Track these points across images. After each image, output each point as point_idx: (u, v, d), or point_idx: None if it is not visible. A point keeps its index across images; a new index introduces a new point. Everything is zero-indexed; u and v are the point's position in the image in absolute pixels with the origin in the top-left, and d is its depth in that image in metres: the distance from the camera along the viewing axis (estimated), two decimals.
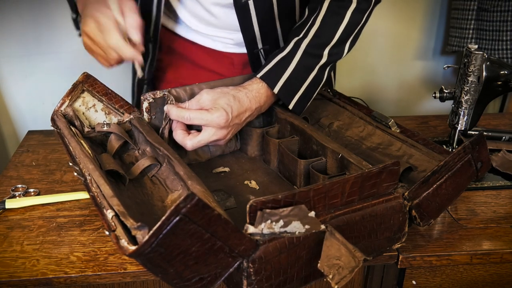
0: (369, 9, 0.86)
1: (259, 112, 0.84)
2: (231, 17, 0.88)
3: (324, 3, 0.84)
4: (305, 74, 0.83)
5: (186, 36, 0.97)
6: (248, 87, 0.80)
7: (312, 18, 0.84)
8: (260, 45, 0.92)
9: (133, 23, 0.77)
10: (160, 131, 0.81)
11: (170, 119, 0.79)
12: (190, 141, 0.76)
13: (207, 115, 0.75)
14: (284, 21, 0.91)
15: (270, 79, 0.81)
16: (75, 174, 0.68)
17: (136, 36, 0.78)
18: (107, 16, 0.75)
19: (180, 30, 0.97)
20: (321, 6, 0.84)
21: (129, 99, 0.88)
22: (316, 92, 0.87)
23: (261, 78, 0.81)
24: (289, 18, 0.92)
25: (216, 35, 0.94)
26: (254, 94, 0.80)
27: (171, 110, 0.77)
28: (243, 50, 0.94)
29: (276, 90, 0.81)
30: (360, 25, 0.86)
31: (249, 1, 0.84)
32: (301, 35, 0.84)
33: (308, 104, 0.86)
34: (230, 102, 0.76)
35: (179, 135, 0.77)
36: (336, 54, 0.85)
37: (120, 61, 0.79)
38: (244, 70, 0.98)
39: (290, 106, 0.83)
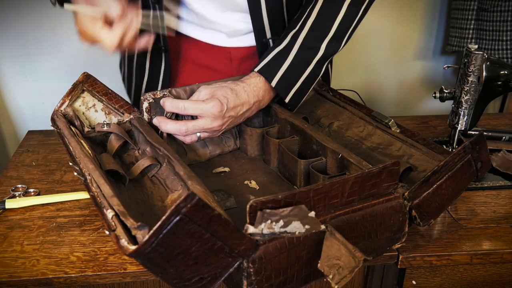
0: (365, 3, 0.85)
1: (259, 107, 0.84)
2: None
3: None
4: (302, 68, 0.83)
5: (181, 31, 0.95)
6: (246, 81, 0.81)
7: (308, 10, 0.85)
8: (268, 35, 0.91)
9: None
10: (160, 131, 0.81)
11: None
12: (185, 126, 0.76)
13: (202, 104, 0.75)
14: (291, 13, 0.91)
15: (267, 73, 0.82)
16: (75, 174, 0.68)
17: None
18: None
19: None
20: None
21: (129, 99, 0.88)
22: (312, 88, 0.87)
23: (258, 72, 0.82)
24: (295, 9, 0.91)
25: (212, 20, 0.91)
26: (252, 88, 0.80)
27: (166, 102, 0.78)
28: (241, 43, 0.94)
29: (273, 83, 0.81)
30: (357, 18, 0.86)
31: None
32: (297, 28, 0.84)
33: (303, 99, 0.87)
34: (227, 94, 0.77)
35: (171, 124, 0.77)
36: (333, 47, 0.85)
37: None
38: (242, 64, 0.97)
39: (287, 100, 0.84)
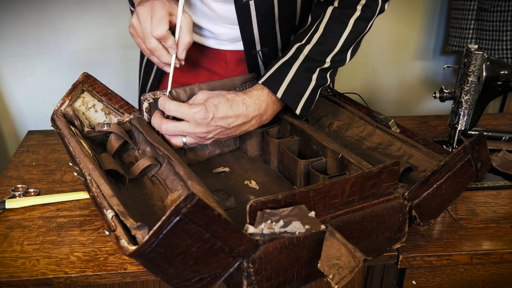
0: (373, 18, 0.86)
1: (260, 123, 0.81)
2: (230, 11, 0.87)
3: (327, 10, 0.84)
4: (307, 77, 0.82)
5: None
6: (248, 93, 0.79)
7: (315, 25, 0.84)
8: (258, 47, 0.91)
9: (185, 41, 0.80)
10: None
11: None
12: (165, 125, 0.76)
13: (185, 108, 0.74)
14: (284, 26, 0.91)
15: (271, 84, 0.80)
16: (75, 174, 0.68)
17: (183, 55, 0.81)
18: (160, 13, 0.77)
19: None
20: (324, 13, 0.84)
21: (129, 99, 0.88)
22: (318, 96, 0.86)
23: (262, 83, 0.80)
24: (289, 23, 0.92)
25: (209, 30, 0.92)
26: (253, 100, 0.78)
27: (159, 99, 0.79)
28: (236, 47, 0.94)
29: (279, 94, 0.79)
30: (363, 33, 0.86)
31: (250, 1, 0.84)
32: (303, 41, 0.83)
33: (311, 108, 0.85)
34: (219, 103, 0.75)
35: (156, 119, 0.78)
36: (339, 61, 0.85)
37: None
38: (238, 67, 0.97)
39: (298, 111, 0.82)
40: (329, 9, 0.84)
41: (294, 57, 0.82)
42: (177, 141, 0.78)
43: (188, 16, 0.80)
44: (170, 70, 0.81)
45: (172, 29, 0.79)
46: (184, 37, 0.79)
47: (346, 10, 0.83)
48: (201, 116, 0.73)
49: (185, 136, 0.78)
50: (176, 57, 0.81)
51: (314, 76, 0.83)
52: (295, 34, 0.90)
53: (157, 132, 0.81)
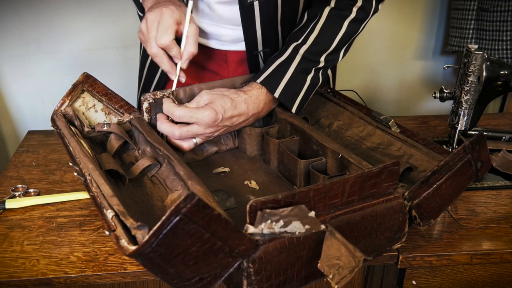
0: (366, 20, 0.88)
1: (257, 117, 0.85)
2: (233, 13, 0.88)
3: (324, 11, 0.86)
4: (303, 77, 0.84)
5: None
6: (248, 92, 0.81)
7: (312, 25, 0.86)
8: (260, 48, 0.92)
9: (189, 52, 0.81)
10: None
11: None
12: (178, 130, 0.77)
13: (196, 113, 0.76)
14: (286, 27, 0.92)
15: (269, 84, 0.82)
16: (75, 174, 0.68)
17: (185, 65, 0.82)
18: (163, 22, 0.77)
19: None
20: (321, 13, 0.86)
21: (129, 99, 0.88)
22: (312, 94, 0.88)
23: (261, 83, 0.82)
24: (291, 24, 0.93)
25: (211, 31, 0.93)
26: (253, 100, 0.81)
27: (164, 103, 0.79)
28: (238, 47, 0.94)
29: (276, 94, 0.82)
30: (356, 34, 0.88)
31: (254, 2, 0.85)
32: (300, 41, 0.85)
33: (304, 105, 0.87)
34: (225, 104, 0.77)
35: (166, 125, 0.78)
36: (332, 60, 0.87)
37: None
38: (238, 67, 0.98)
39: (293, 110, 0.84)
40: (326, 10, 0.86)
41: (291, 57, 0.84)
42: (190, 145, 0.80)
43: (195, 26, 0.81)
44: (175, 78, 0.82)
45: (178, 38, 0.79)
46: (189, 48, 0.80)
47: (342, 11, 0.86)
48: (212, 119, 0.75)
49: (194, 137, 0.80)
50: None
51: (309, 77, 0.85)
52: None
53: (158, 132, 0.81)
